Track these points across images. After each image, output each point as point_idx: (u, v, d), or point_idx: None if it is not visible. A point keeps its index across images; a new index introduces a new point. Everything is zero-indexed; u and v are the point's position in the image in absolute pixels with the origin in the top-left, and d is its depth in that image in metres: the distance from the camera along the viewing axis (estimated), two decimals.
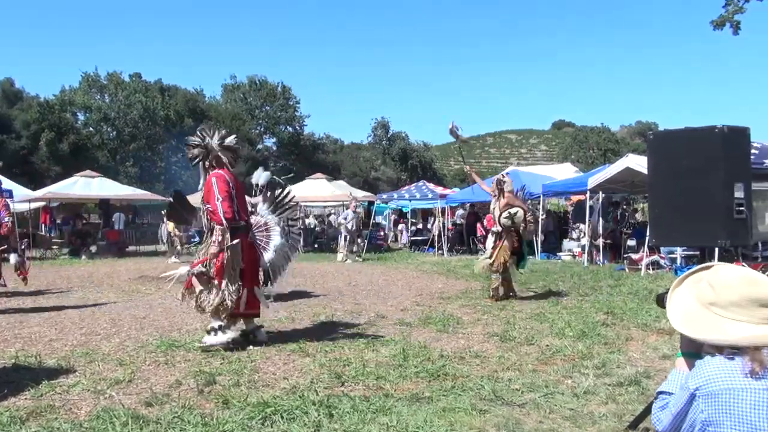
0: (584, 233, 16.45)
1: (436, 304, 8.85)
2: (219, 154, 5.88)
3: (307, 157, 58.67)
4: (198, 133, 6.04)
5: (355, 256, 17.63)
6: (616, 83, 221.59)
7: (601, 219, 16.00)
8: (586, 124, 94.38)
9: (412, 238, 23.41)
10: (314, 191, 23.00)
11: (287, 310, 8.33)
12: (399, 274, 13.80)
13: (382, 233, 24.08)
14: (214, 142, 5.92)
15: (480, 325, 7.11)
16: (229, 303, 5.75)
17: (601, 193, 15.92)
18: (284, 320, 7.53)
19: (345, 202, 22.53)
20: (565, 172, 24.22)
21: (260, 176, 7.11)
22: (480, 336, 6.45)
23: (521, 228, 9.12)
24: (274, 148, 61.30)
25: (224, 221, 5.61)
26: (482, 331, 6.69)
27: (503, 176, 9.83)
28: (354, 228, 17.89)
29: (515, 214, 8.97)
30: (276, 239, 6.53)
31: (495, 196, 9.40)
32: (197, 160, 5.90)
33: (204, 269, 5.70)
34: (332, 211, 30.08)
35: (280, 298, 9.63)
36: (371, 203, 24.89)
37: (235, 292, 5.74)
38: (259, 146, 58.21)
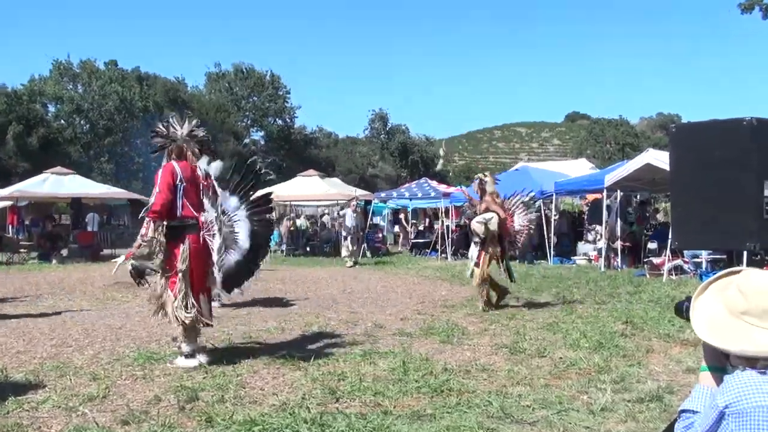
0: (601, 235, 16.46)
1: (439, 312, 8.85)
2: (181, 144, 5.92)
3: (298, 152, 58.66)
4: (167, 122, 6.08)
5: (350, 260, 17.62)
6: (636, 72, 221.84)
7: (619, 220, 16.02)
8: (602, 116, 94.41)
9: (414, 241, 23.40)
10: (306, 189, 22.99)
11: (276, 319, 8.33)
12: (398, 280, 13.80)
13: (380, 235, 24.08)
14: (181, 132, 5.97)
15: (487, 335, 7.11)
16: (190, 316, 5.68)
17: (619, 191, 15.93)
18: (273, 330, 7.53)
19: (340, 202, 22.56)
20: (579, 168, 24.24)
21: (212, 167, 6.61)
22: (487, 348, 6.45)
23: (502, 236, 9.05)
24: (262, 142, 61.26)
25: (152, 213, 5.64)
26: (490, 343, 6.69)
27: (484, 175, 9.66)
28: (354, 229, 17.94)
29: (489, 220, 8.88)
30: (243, 238, 6.13)
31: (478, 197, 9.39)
32: (158, 150, 6.01)
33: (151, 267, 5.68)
34: (326, 212, 30.10)
35: (268, 305, 9.64)
36: (368, 202, 24.91)
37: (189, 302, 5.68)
38: (246, 140, 58.18)
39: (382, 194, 26.05)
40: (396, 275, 14.81)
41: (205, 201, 5.79)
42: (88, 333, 7.38)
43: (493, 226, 8.87)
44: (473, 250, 9.11)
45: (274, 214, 7.32)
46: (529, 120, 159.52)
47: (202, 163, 6.00)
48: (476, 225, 8.95)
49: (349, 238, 17.92)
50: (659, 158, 13.13)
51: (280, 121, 60.04)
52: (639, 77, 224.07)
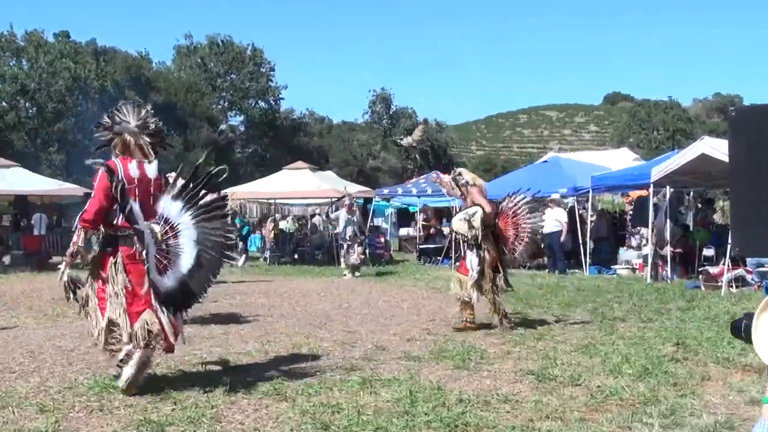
0: (647, 240, 16.44)
1: (453, 332, 8.85)
2: (128, 138, 5.98)
3: (284, 140, 58.79)
4: (114, 111, 6.11)
5: (348, 271, 17.58)
6: (689, 45, 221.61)
7: (668, 221, 16.01)
8: (648, 98, 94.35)
9: (422, 247, 23.40)
10: (293, 185, 23.03)
11: (258, 340, 8.33)
12: (404, 293, 13.80)
13: (382, 240, 24.06)
14: (129, 123, 6.01)
15: (510, 359, 7.11)
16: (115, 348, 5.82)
17: (668, 187, 15.92)
18: (254, 353, 7.53)
19: (333, 199, 22.58)
20: (621, 159, 24.25)
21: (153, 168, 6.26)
22: (510, 374, 6.45)
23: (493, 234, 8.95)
24: (242, 128, 61.37)
25: (83, 221, 5.72)
26: (513, 368, 6.69)
27: (455, 171, 9.57)
28: (351, 233, 17.79)
29: (473, 215, 8.78)
30: (187, 250, 5.89)
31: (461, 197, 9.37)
32: (102, 146, 6.07)
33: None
34: (317, 211, 30.15)
35: (248, 323, 9.65)
36: (368, 200, 24.92)
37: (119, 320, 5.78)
38: (222, 126, 58.27)
39: (385, 191, 26.11)
40: (401, 288, 14.81)
41: (166, 202, 5.79)
42: (34, 356, 7.40)
43: (477, 222, 8.76)
44: (472, 258, 8.92)
45: (230, 219, 7.13)
46: (561, 102, 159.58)
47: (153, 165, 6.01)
48: (458, 223, 8.88)
49: (347, 247, 17.72)
50: (716, 147, 13.11)
51: (262, 104, 60.17)
52: (692, 52, 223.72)
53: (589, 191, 17.97)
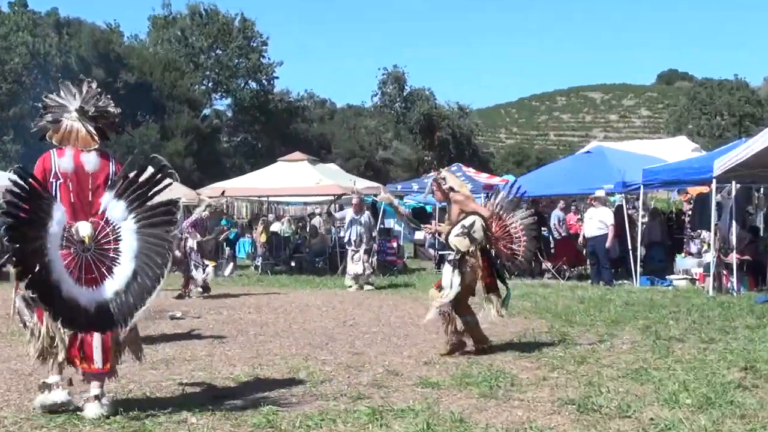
0: (708, 246, 16.37)
1: (479, 353, 8.83)
2: (66, 124, 6.02)
3: (278, 127, 58.90)
4: (47, 96, 6.15)
5: (354, 282, 17.53)
6: (757, 16, 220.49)
7: (734, 223, 15.93)
8: (710, 77, 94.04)
9: (441, 253, 23.35)
10: (289, 179, 23.07)
11: (248, 363, 8.35)
12: (421, 308, 13.75)
13: (394, 245, 24.06)
14: (67, 106, 6.05)
15: (546, 386, 7.09)
16: (42, 344, 5.90)
17: (734, 182, 15.85)
18: (243, 378, 7.55)
19: (336, 197, 22.57)
20: (678, 149, 24.17)
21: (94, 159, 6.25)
22: (547, 404, 6.43)
23: (488, 245, 8.91)
24: (229, 113, 61.46)
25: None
26: (550, 397, 6.67)
27: (439, 173, 9.48)
28: (357, 237, 17.75)
29: (471, 226, 8.68)
30: (125, 260, 5.84)
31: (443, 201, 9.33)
32: (43, 133, 6.09)
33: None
34: (317, 211, 30.18)
35: (237, 343, 9.66)
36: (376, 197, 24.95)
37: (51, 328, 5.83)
38: (206, 110, 58.33)
39: (398, 186, 26.13)
40: (417, 301, 14.79)
41: (108, 201, 5.81)
42: None
43: (479, 233, 8.69)
44: (449, 274, 8.80)
45: (177, 231, 7.06)
46: (607, 82, 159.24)
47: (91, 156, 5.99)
48: (456, 240, 8.71)
49: (353, 254, 17.67)
50: None
51: (253, 84, 60.30)
52: (763, 22, 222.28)
53: (639, 187, 17.90)
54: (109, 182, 5.99)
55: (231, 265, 21.56)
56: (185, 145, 46.70)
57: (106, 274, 5.74)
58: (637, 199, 19.83)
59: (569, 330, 10.58)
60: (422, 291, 16.75)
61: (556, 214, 21.41)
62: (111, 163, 6.18)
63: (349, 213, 18.10)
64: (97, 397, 5.98)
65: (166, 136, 46.65)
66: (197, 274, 15.72)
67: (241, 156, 58.80)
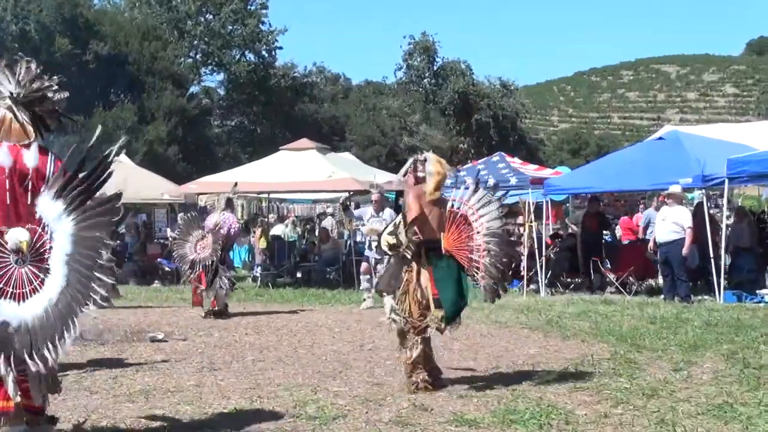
0: None
1: (526, 385, 8.85)
2: (2, 113, 6.07)
3: (281, 108, 58.91)
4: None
5: (370, 297, 17.42)
6: None
7: None
8: None
9: None
10: (295, 172, 23.09)
11: (245, 395, 8.39)
12: (454, 328, 13.78)
13: None
14: (5, 91, 6.10)
15: (609, 425, 7.09)
16: None
17: None
18: (239, 414, 7.58)
19: (350, 194, 22.57)
20: None
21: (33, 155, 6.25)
22: None
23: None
24: (222, 91, 61.52)
25: None
26: None
27: (420, 153, 9.49)
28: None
29: (399, 225, 8.75)
30: (56, 265, 5.83)
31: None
32: None
33: None
34: (328, 210, 30.22)
35: (231, 371, 9.71)
36: (401, 195, 24.91)
37: None
38: (194, 88, 58.42)
39: None
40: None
41: (45, 199, 5.80)
42: None
43: (402, 235, 8.70)
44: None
45: (124, 228, 7.06)
46: (685, 52, 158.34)
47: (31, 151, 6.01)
48: (385, 238, 8.86)
49: (375, 262, 17.57)
50: None
51: (251, 56, 60.26)
52: None
53: (724, 182, 17.80)
54: (47, 181, 5.94)
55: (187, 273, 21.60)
56: (168, 130, 46.71)
57: (38, 288, 5.72)
58: (721, 195, 19.75)
59: (637, 356, 10.54)
60: None
61: (649, 214, 21.23)
62: (50, 160, 6.13)
63: (368, 212, 18.01)
64: None
65: (145, 119, 46.70)
66: (220, 287, 15.81)
67: (235, 143, 58.90)
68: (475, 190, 9.29)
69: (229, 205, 16.69)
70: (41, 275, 5.74)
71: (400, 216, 8.95)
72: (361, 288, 17.90)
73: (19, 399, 5.83)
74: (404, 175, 9.43)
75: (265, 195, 28.41)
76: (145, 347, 11.72)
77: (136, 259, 24.47)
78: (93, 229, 5.79)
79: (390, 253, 9.04)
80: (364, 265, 17.66)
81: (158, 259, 24.72)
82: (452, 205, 9.21)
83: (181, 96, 50.74)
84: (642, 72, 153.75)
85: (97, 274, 5.68)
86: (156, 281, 23.70)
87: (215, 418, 7.38)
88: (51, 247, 5.79)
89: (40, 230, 5.81)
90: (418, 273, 8.86)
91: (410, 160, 9.41)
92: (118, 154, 6.02)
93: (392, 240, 8.80)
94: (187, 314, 15.80)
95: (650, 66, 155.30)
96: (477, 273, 9.01)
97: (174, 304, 18.09)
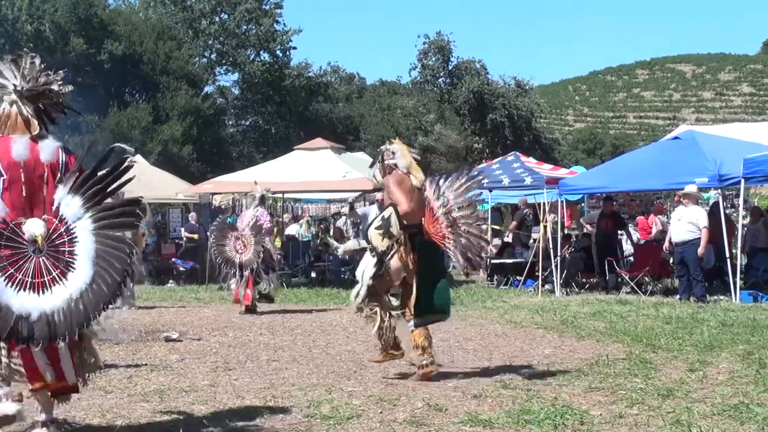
0: None
1: (541, 385, 8.85)
2: (7, 107, 6.15)
3: (295, 107, 58.98)
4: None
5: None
6: None
7: None
8: None
9: (495, 262, 23.37)
10: (309, 172, 23.12)
11: (259, 395, 8.39)
12: (469, 328, 13.80)
13: None
14: (6, 87, 6.18)
15: (624, 425, 7.07)
16: None
17: None
18: (253, 414, 7.56)
19: (361, 194, 22.55)
20: None
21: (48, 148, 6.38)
22: None
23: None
24: (236, 91, 61.60)
25: None
26: None
27: (390, 143, 9.69)
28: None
29: (389, 219, 8.75)
30: (81, 265, 5.96)
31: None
32: None
33: None
34: (342, 210, 30.21)
35: (246, 371, 9.72)
36: None
37: None
38: (208, 88, 58.53)
39: (442, 180, 26.11)
40: (464, 320, 14.80)
41: (61, 195, 5.92)
42: None
43: (396, 228, 8.72)
44: (367, 264, 9.02)
45: (142, 231, 7.12)
46: (700, 51, 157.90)
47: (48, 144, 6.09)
48: (373, 233, 8.86)
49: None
50: None
51: (266, 56, 60.31)
52: None
53: (740, 181, 17.76)
54: (61, 175, 6.08)
55: (237, 276, 21.66)
56: (183, 130, 46.73)
57: (58, 279, 5.82)
58: (737, 195, 19.70)
59: (652, 357, 10.52)
60: (471, 307, 16.78)
61: (661, 219, 21.20)
62: (62, 154, 6.24)
63: (374, 210, 18.15)
64: (45, 424, 6.10)
65: (160, 118, 46.78)
66: (264, 284, 16.51)
67: (250, 143, 58.96)
68: (457, 178, 9.63)
69: (262, 201, 16.89)
70: (60, 266, 5.80)
71: (390, 209, 8.88)
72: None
73: (49, 381, 6.01)
74: (372, 166, 9.65)
75: (279, 194, 28.43)
76: (159, 347, 11.75)
77: (151, 259, 24.54)
78: (115, 228, 5.91)
79: (385, 257, 8.88)
80: None
81: (172, 259, 24.78)
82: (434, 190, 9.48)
83: (195, 96, 50.79)
84: (657, 71, 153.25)
85: (120, 274, 5.79)
86: (170, 281, 23.76)
87: (229, 418, 7.38)
88: (69, 240, 5.87)
89: (57, 222, 5.87)
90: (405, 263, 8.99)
91: (380, 153, 9.66)
92: (131, 156, 6.17)
93: (386, 241, 8.76)
94: (202, 314, 15.85)
95: (666, 65, 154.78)
96: (449, 246, 9.28)
97: (188, 303, 18.13)
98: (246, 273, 16.09)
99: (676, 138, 21.94)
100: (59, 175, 6.11)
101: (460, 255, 9.34)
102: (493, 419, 7.26)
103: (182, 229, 27.12)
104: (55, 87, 6.32)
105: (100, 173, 5.92)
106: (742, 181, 17.71)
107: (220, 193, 26.40)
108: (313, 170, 23.03)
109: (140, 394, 8.23)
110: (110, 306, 5.87)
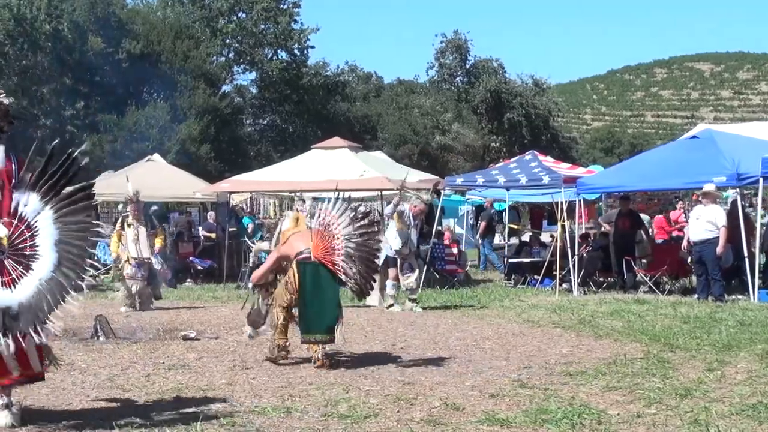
0: None
1: (558, 383, 8.85)
2: None
3: (313, 106, 59.00)
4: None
5: (408, 300, 17.19)
6: None
7: None
8: None
9: (512, 261, 23.35)
10: (326, 171, 23.12)
11: (277, 393, 8.42)
12: (487, 327, 13.79)
13: (454, 250, 24.04)
14: None
15: (642, 425, 7.07)
16: None
17: None
18: (271, 412, 7.61)
19: (387, 194, 22.55)
20: None
21: None
22: None
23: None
24: (254, 90, 61.67)
25: None
26: None
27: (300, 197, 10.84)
28: (404, 245, 17.59)
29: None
30: (44, 253, 6.54)
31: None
32: None
33: None
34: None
35: (263, 369, 9.74)
36: (435, 194, 24.91)
37: None
38: (227, 87, 58.62)
39: (459, 179, 26.06)
40: (482, 320, 14.80)
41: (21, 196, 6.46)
42: None
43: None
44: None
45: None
46: (719, 50, 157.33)
47: None
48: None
49: (404, 264, 17.45)
50: None
51: (283, 55, 60.34)
52: None
53: (758, 180, 17.68)
54: (15, 180, 6.54)
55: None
56: (201, 129, 46.79)
57: (24, 273, 6.39)
58: (756, 194, 19.56)
59: (670, 356, 10.50)
60: (488, 307, 16.77)
61: (655, 214, 21.17)
62: (13, 159, 6.69)
63: (391, 208, 18.31)
64: (7, 406, 6.67)
65: (178, 117, 46.83)
66: None
67: (268, 142, 58.95)
68: (335, 203, 10.28)
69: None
70: (25, 261, 6.39)
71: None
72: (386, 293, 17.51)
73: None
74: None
75: (297, 193, 28.47)
76: (177, 346, 11.78)
77: (170, 257, 24.60)
78: (75, 213, 6.56)
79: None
80: (392, 271, 17.39)
81: (190, 258, 24.83)
82: (318, 217, 10.28)
83: (213, 95, 50.84)
84: (676, 70, 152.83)
85: (88, 252, 6.58)
86: (188, 280, 23.82)
87: (247, 417, 7.41)
88: (31, 235, 6.46)
89: (16, 222, 6.41)
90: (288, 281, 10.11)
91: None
92: (81, 155, 6.68)
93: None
94: (219, 313, 15.88)
95: (684, 64, 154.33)
96: (341, 274, 9.96)
97: (206, 302, 18.17)
98: None
99: (694, 137, 21.85)
100: (13, 180, 6.55)
101: (344, 275, 9.98)
102: (510, 418, 7.26)
103: (200, 228, 27.15)
104: (3, 99, 6.73)
105: (50, 170, 6.47)
106: (761, 180, 17.62)
107: (237, 192, 26.40)
108: (331, 169, 23.03)
109: (158, 393, 8.27)
110: (77, 283, 6.52)
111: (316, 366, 9.84)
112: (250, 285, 11.12)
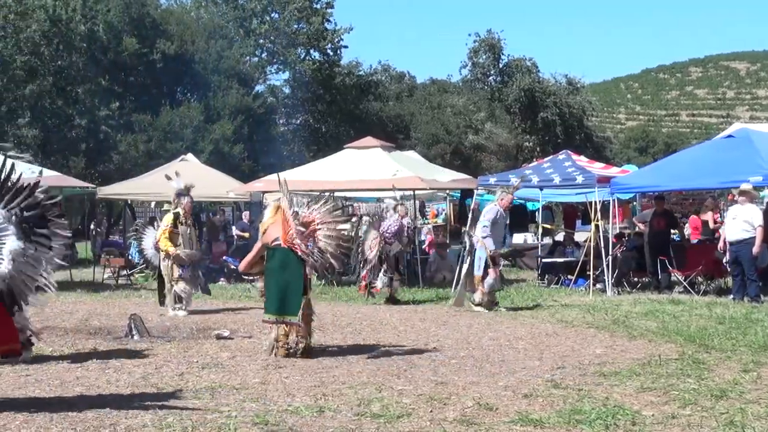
0: None
1: (591, 384, 8.81)
2: None
3: (346, 106, 59.07)
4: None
5: (466, 297, 16.95)
6: None
7: None
8: None
9: (546, 260, 23.28)
10: (359, 170, 23.15)
11: (309, 393, 8.44)
12: (520, 327, 13.76)
13: None
14: None
15: (677, 426, 7.03)
16: None
17: None
18: (304, 411, 7.63)
19: (420, 193, 22.46)
20: None
21: None
22: None
23: None
24: (287, 90, 61.80)
25: None
26: None
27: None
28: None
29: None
30: (11, 244, 7.13)
31: None
32: None
33: None
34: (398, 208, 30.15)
35: (296, 367, 9.76)
36: (467, 193, 24.85)
37: None
38: (260, 87, 58.79)
39: (492, 179, 25.98)
40: (515, 320, 14.77)
41: None
42: None
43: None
44: None
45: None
46: (754, 49, 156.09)
47: None
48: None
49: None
50: None
51: (316, 55, 60.45)
52: None
53: None
54: None
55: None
56: (234, 129, 46.95)
57: None
58: None
59: (705, 357, 10.45)
60: (522, 307, 16.70)
61: (689, 214, 21.02)
62: None
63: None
64: None
65: (211, 117, 47.03)
66: (378, 282, 17.66)
67: (300, 142, 59.02)
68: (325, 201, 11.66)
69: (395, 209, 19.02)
70: None
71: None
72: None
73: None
74: None
75: (330, 193, 28.51)
76: (210, 344, 11.82)
77: (207, 256, 24.67)
78: (39, 226, 7.14)
79: None
80: (492, 272, 16.95)
81: (223, 257, 24.91)
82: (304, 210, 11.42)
83: (246, 95, 51.00)
84: (711, 69, 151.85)
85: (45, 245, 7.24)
86: (221, 279, 23.88)
87: (280, 416, 7.43)
88: None
89: None
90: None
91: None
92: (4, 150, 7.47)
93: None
94: (253, 312, 15.90)
95: (719, 63, 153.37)
96: (299, 251, 10.68)
97: (239, 302, 18.22)
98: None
99: (729, 136, 21.71)
100: None
101: (301, 252, 10.72)
102: (543, 419, 7.25)
103: (233, 227, 27.22)
104: None
105: (10, 182, 7.04)
106: None
107: (271, 192, 26.47)
108: (364, 169, 23.06)
109: (191, 391, 8.31)
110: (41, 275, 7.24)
111: (275, 353, 10.63)
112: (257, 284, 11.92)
